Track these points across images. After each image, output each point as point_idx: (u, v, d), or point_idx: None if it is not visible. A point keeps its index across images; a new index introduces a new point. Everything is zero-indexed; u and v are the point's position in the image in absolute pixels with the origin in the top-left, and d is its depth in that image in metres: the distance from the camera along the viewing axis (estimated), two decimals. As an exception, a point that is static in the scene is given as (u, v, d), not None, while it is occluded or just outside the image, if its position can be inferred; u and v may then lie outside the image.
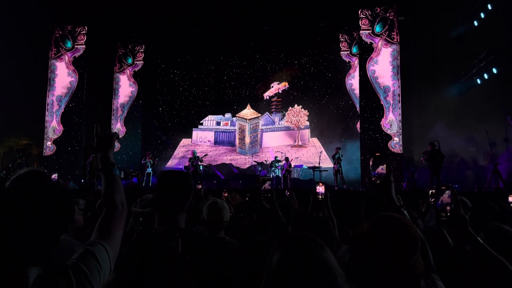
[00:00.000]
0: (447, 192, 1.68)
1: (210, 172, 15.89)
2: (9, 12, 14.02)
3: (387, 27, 12.51)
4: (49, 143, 13.85)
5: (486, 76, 12.01)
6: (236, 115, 17.90)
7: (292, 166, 14.37)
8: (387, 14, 12.53)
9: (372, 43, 12.63)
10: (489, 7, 11.38)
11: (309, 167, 14.41)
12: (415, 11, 12.98)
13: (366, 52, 12.72)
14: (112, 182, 1.47)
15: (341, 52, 15.48)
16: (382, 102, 12.35)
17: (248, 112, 17.79)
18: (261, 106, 17.90)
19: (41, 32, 14.40)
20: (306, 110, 17.24)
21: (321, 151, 15.28)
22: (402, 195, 3.39)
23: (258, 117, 17.76)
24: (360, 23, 12.71)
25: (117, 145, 1.76)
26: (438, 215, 1.65)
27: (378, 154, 1.81)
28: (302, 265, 1.14)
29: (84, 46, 14.17)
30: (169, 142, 18.03)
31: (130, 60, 16.45)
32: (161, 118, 18.01)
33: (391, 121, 12.21)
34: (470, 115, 12.31)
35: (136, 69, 16.52)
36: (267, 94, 17.90)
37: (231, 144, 18.05)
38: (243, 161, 17.38)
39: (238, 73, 17.93)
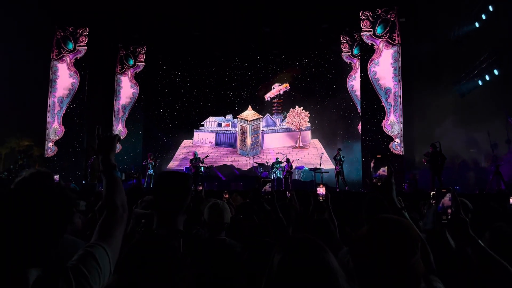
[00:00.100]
0: (448, 195, 1.67)
1: (211, 173, 15.90)
2: (11, 14, 14.05)
3: (388, 28, 12.52)
4: (50, 144, 13.88)
5: (487, 77, 11.98)
6: (237, 116, 17.91)
7: (293, 167, 14.36)
8: (388, 16, 12.54)
9: (373, 45, 12.63)
10: (490, 8, 11.37)
11: (310, 169, 14.39)
12: (416, 13, 12.98)
13: (367, 54, 12.73)
14: (113, 184, 1.47)
15: (342, 54, 15.49)
16: (383, 104, 12.35)
17: (249, 113, 17.80)
18: (262, 108, 17.91)
19: (43, 34, 14.44)
20: (307, 112, 17.24)
21: (322, 153, 15.27)
22: (404, 196, 3.38)
23: (259, 118, 17.77)
24: (361, 24, 12.72)
25: (118, 147, 1.76)
26: (439, 218, 1.65)
27: (379, 155, 1.80)
28: (303, 267, 1.14)
29: (86, 47, 14.20)
30: (170, 144, 18.05)
31: (131, 62, 16.50)
32: (162, 120, 18.04)
33: (393, 123, 12.21)
34: (471, 117, 12.29)
35: (138, 70, 16.57)
36: (268, 96, 17.91)
37: (232, 145, 18.06)
38: (244, 162, 17.38)
39: (239, 74, 17.95)
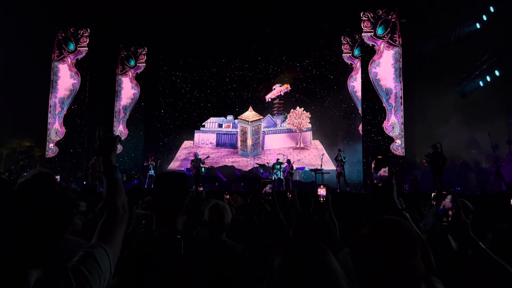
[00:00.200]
0: (449, 197, 1.67)
1: (212, 174, 15.90)
2: (12, 15, 14.09)
3: (389, 29, 12.52)
4: (51, 145, 13.89)
5: (488, 78, 11.97)
6: (238, 117, 17.91)
7: (294, 168, 14.36)
8: (389, 17, 12.54)
9: (374, 46, 12.63)
10: (492, 9, 11.36)
11: (311, 170, 14.39)
12: (417, 13, 12.97)
13: (368, 55, 12.72)
14: (114, 185, 1.47)
15: (343, 54, 15.49)
16: (384, 105, 12.34)
17: (250, 114, 17.80)
18: (263, 108, 17.91)
19: (44, 34, 14.47)
20: (308, 112, 17.24)
21: (323, 153, 15.26)
22: (404, 197, 3.38)
23: (260, 119, 17.77)
24: (362, 25, 12.71)
25: (119, 147, 1.75)
26: (440, 220, 1.65)
27: (380, 156, 1.80)
28: (304, 269, 1.14)
29: (87, 48, 14.23)
30: (171, 144, 18.06)
31: (132, 63, 16.52)
32: (163, 120, 18.06)
33: (393, 124, 12.19)
34: (472, 118, 12.28)
35: (139, 71, 16.60)
36: (269, 96, 17.92)
37: (233, 146, 18.06)
38: (245, 163, 17.38)
39: (240, 75, 17.96)
